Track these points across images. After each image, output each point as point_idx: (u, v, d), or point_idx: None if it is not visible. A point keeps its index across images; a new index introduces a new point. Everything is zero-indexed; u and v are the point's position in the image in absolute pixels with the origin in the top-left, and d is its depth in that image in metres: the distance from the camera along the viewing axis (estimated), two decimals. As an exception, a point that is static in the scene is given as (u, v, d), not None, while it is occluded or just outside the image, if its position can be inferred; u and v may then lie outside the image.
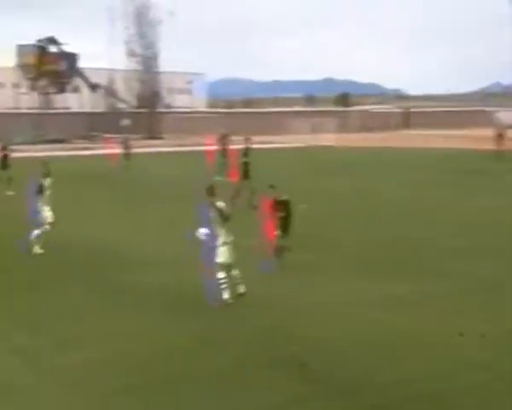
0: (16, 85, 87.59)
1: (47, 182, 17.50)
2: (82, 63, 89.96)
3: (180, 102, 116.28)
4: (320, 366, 9.72)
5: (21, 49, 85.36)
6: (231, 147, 35.91)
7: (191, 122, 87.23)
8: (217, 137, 37.97)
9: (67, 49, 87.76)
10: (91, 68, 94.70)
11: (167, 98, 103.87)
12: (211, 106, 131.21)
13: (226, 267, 12.78)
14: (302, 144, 66.65)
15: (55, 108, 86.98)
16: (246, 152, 27.66)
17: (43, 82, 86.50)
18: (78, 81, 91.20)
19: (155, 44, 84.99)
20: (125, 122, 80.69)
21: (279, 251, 15.33)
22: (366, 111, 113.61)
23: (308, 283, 14.33)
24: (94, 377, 9.44)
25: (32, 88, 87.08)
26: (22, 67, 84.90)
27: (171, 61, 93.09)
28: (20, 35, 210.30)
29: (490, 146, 49.11)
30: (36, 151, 51.50)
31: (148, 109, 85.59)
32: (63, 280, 14.82)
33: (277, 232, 15.36)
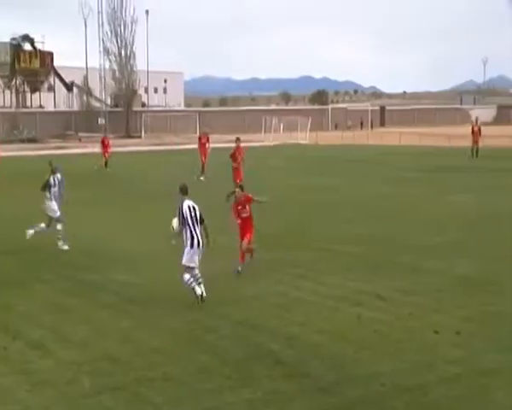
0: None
1: (56, 179, 18.18)
2: (57, 62, 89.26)
3: (157, 100, 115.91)
4: (298, 362, 9.78)
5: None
6: (210, 146, 35.95)
7: (168, 121, 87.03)
8: (197, 136, 37.95)
9: (42, 47, 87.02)
10: (66, 67, 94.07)
11: (143, 97, 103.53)
12: (188, 104, 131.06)
13: (191, 269, 12.67)
14: (277, 142, 66.77)
15: (30, 107, 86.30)
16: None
17: (17, 80, 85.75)
18: (53, 80, 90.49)
19: (131, 43, 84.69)
20: (101, 121, 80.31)
21: (250, 250, 15.27)
22: (343, 109, 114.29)
23: (282, 281, 14.34)
24: (71, 378, 9.34)
25: (7, 87, 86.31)
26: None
27: (147, 59, 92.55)
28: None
29: (465, 143, 49.53)
30: (10, 151, 51.04)
31: (124, 108, 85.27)
32: (37, 279, 14.69)
33: (247, 233, 15.11)
